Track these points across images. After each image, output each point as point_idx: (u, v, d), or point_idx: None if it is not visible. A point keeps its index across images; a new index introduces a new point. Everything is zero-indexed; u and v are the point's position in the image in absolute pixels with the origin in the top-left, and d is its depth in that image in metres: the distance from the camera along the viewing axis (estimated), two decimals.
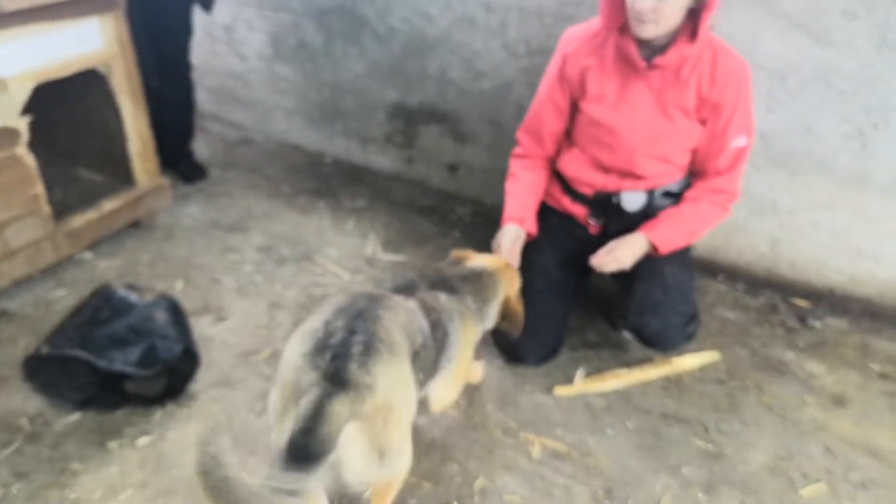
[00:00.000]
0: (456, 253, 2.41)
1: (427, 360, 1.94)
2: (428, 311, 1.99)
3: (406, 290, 2.07)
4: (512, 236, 2.53)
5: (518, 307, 2.31)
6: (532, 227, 2.59)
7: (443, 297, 2.08)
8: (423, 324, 1.94)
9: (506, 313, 2.29)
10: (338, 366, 1.58)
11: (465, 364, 2.23)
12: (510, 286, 2.32)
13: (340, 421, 1.51)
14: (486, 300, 2.23)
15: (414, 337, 1.84)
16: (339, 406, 1.51)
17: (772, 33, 2.70)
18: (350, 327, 1.67)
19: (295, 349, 1.68)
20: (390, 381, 1.64)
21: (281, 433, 1.58)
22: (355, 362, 1.59)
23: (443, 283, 2.15)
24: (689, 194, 2.52)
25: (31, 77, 2.62)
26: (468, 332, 2.16)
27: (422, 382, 1.92)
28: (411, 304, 1.97)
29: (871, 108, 2.66)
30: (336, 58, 3.95)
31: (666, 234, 2.46)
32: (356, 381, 1.56)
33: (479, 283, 2.22)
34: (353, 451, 1.60)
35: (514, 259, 2.49)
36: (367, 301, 1.81)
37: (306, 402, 1.53)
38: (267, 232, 3.51)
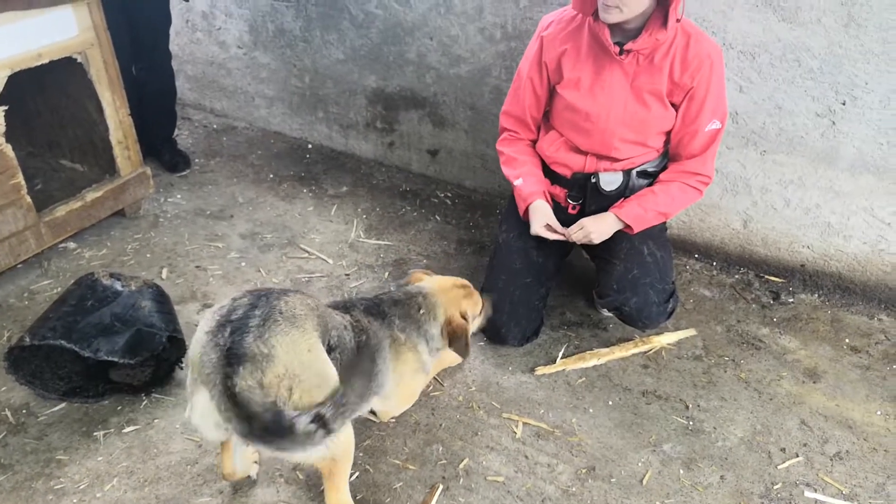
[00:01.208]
0: (413, 273, 2.47)
1: (347, 365, 1.92)
2: (357, 331, 2.03)
3: (343, 307, 2.12)
4: (550, 213, 2.55)
5: (461, 330, 2.27)
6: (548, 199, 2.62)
7: (375, 325, 2.12)
8: (343, 332, 1.95)
9: (449, 335, 2.29)
10: (235, 340, 1.62)
11: (405, 390, 2.29)
12: (452, 307, 2.30)
13: (255, 391, 1.58)
14: (419, 323, 2.24)
15: (327, 327, 1.86)
16: (243, 382, 1.58)
17: (742, 12, 2.73)
18: (253, 303, 1.72)
19: (201, 327, 1.73)
20: (290, 350, 1.66)
21: (192, 409, 1.72)
22: (252, 335, 1.63)
23: (375, 308, 2.19)
24: (663, 176, 2.56)
25: (5, 66, 2.61)
26: (403, 360, 2.20)
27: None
28: (340, 318, 2.00)
29: (839, 85, 2.70)
30: (315, 44, 3.95)
31: (635, 212, 2.50)
32: (252, 352, 1.61)
33: (409, 306, 2.25)
34: None
35: (560, 230, 2.52)
36: (283, 289, 1.85)
37: (216, 401, 1.61)
38: (251, 219, 3.52)
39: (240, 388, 1.57)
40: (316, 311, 1.84)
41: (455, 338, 2.28)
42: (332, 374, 1.76)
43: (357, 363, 1.92)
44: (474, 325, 2.44)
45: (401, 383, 2.23)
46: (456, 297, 2.34)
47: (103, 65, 2.97)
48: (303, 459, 1.81)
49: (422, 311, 2.26)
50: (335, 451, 1.80)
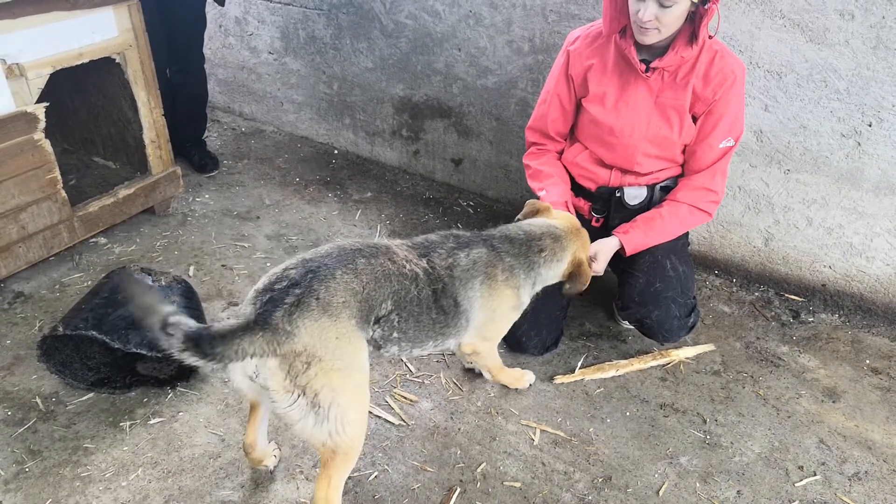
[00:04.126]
0: (531, 203, 2.38)
1: (410, 323, 1.98)
2: (432, 279, 2.03)
3: (424, 248, 2.10)
4: None
5: (586, 270, 2.28)
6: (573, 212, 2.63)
7: (463, 261, 2.08)
8: (407, 289, 1.96)
9: (572, 274, 2.27)
10: (267, 309, 1.70)
11: (497, 325, 2.26)
12: (582, 251, 2.29)
13: (238, 353, 1.63)
14: (533, 264, 2.20)
15: (373, 304, 1.89)
16: (247, 344, 1.64)
17: (769, 32, 2.75)
18: (296, 280, 1.77)
19: (258, 283, 1.83)
20: (315, 334, 1.71)
21: None
22: (282, 310, 1.70)
23: (476, 244, 2.15)
24: (674, 194, 2.58)
25: (48, 64, 2.69)
26: (501, 296, 2.16)
27: (396, 341, 1.99)
28: (413, 267, 1.99)
29: (865, 107, 2.71)
30: (345, 52, 4.02)
31: (639, 241, 2.53)
32: (276, 325, 1.68)
33: (528, 247, 2.20)
34: (273, 381, 1.71)
35: None
36: (339, 259, 1.87)
37: (226, 322, 1.70)
38: (277, 221, 3.58)
39: (242, 340, 1.64)
40: (360, 295, 1.84)
41: (575, 278, 2.27)
42: (360, 363, 1.83)
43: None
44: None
45: (493, 318, 2.20)
46: (585, 242, 2.32)
47: (140, 66, 3.04)
48: (302, 436, 1.82)
49: (544, 254, 2.22)
50: (338, 442, 1.78)
